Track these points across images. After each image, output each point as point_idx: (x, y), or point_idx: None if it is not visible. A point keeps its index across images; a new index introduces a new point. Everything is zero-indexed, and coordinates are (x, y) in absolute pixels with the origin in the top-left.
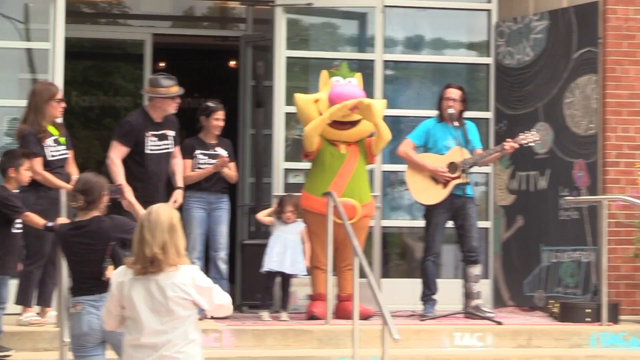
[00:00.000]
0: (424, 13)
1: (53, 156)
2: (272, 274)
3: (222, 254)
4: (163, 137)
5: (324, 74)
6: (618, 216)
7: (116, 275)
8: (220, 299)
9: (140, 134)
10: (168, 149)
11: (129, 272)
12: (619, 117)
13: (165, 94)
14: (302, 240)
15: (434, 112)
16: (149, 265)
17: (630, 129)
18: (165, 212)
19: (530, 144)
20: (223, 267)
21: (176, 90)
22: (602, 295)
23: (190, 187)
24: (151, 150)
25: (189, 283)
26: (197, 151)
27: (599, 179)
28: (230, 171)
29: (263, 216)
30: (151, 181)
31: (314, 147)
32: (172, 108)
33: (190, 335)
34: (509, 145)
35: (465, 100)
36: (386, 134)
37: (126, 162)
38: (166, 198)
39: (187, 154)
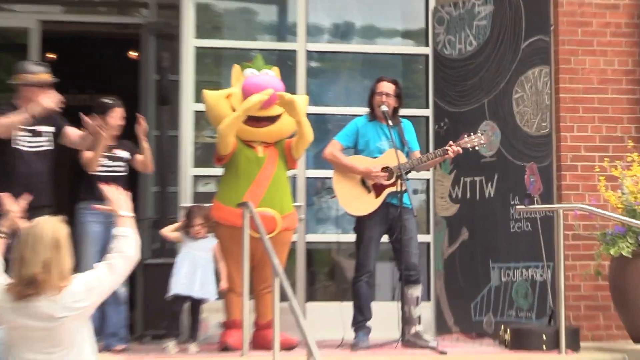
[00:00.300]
0: None
1: None
2: (179, 299)
3: None
4: (36, 134)
5: (236, 68)
6: (576, 227)
7: None
8: (122, 264)
9: None
10: (42, 147)
11: (7, 297)
12: (574, 115)
13: (33, 81)
14: (214, 259)
15: (365, 110)
16: (28, 288)
17: (588, 128)
18: (49, 226)
19: (475, 148)
20: (121, 290)
21: (46, 78)
22: (560, 319)
23: (85, 196)
24: (21, 147)
25: (77, 300)
26: None
27: (553, 185)
28: (144, 156)
29: (168, 231)
30: (20, 182)
31: (230, 148)
32: (42, 99)
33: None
34: (452, 149)
35: (400, 96)
36: (309, 133)
37: None
38: (53, 205)
39: None
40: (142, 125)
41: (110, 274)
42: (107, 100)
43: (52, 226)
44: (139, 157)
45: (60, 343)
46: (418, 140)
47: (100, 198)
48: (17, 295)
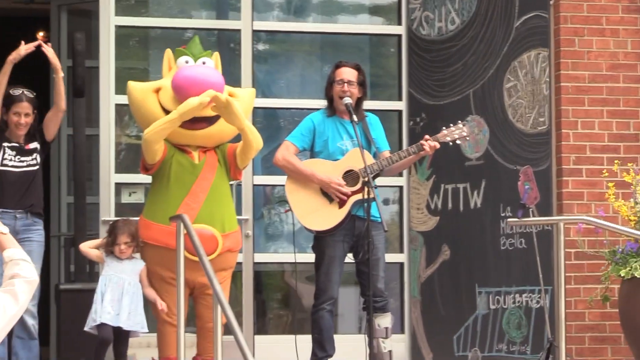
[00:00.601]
0: None
1: None
2: (105, 330)
3: (29, 305)
4: None
5: (168, 54)
6: (580, 244)
7: None
8: (25, 289)
9: None
10: None
11: None
12: (578, 108)
13: None
14: (142, 284)
15: (322, 103)
16: None
17: (595, 124)
18: None
19: (456, 142)
20: (31, 322)
21: None
22: (560, 353)
23: None
24: None
25: None
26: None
27: (552, 193)
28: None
29: (88, 247)
30: None
31: (158, 157)
32: None
33: None
34: (429, 144)
35: (365, 84)
36: (256, 141)
37: None
38: None
39: None
40: (47, 47)
41: (14, 303)
42: (12, 92)
43: None
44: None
45: None
46: (388, 139)
47: (8, 204)
48: None
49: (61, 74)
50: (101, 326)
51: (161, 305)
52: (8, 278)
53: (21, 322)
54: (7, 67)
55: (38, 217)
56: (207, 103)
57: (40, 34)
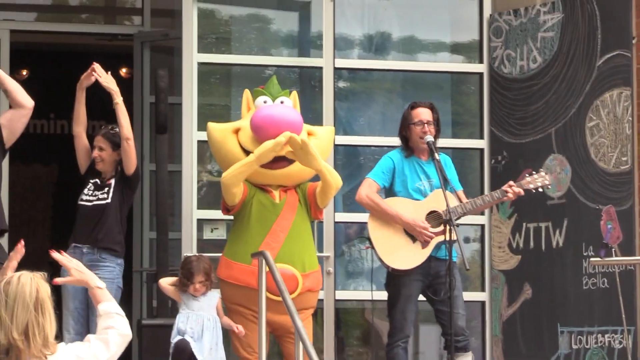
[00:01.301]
0: (391, 3)
1: None
2: (185, 351)
3: None
4: None
5: (247, 94)
6: None
7: None
8: (110, 348)
9: None
10: None
11: None
12: None
13: None
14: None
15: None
16: (3, 356)
17: None
18: (30, 283)
19: (539, 189)
20: None
21: None
22: None
23: (70, 241)
24: None
25: None
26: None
27: (636, 233)
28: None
29: (167, 284)
30: None
31: (237, 199)
32: None
33: None
34: (513, 190)
35: (439, 123)
36: (335, 181)
37: None
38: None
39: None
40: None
41: (106, 351)
42: (102, 128)
43: (33, 284)
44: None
45: None
46: (471, 177)
47: (79, 238)
48: None
49: (118, 99)
50: (177, 349)
51: (237, 328)
52: (102, 329)
53: None
54: (80, 95)
55: (108, 252)
56: (283, 144)
57: (94, 66)
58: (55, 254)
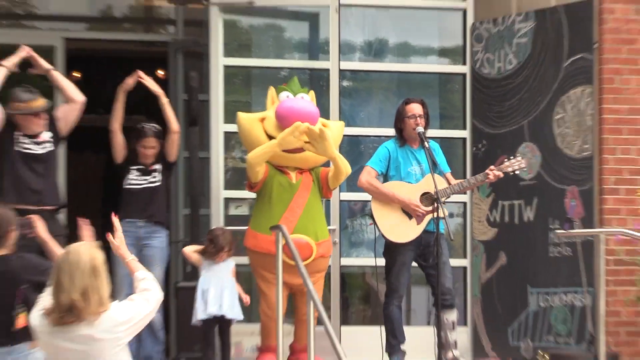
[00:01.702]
0: (387, 13)
1: None
2: (211, 322)
3: None
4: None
5: (272, 90)
6: (618, 252)
7: (34, 323)
8: (146, 307)
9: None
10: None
11: (45, 322)
12: (618, 136)
13: (25, 109)
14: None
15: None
16: (67, 315)
17: (632, 150)
18: (86, 252)
19: (515, 172)
20: (157, 316)
21: (39, 104)
22: (599, 345)
23: (119, 218)
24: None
25: (114, 325)
26: (132, 167)
27: (595, 209)
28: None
29: (191, 251)
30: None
31: (259, 177)
32: (36, 125)
33: None
34: (494, 174)
35: (428, 115)
36: (345, 168)
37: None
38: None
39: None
40: (146, 79)
41: (147, 308)
42: (144, 126)
43: (89, 252)
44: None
45: None
46: (455, 162)
47: (133, 214)
48: (56, 321)
49: (165, 100)
50: (205, 321)
51: (245, 298)
52: (141, 290)
53: None
54: (121, 96)
55: (159, 225)
56: (300, 130)
57: (138, 73)
58: (109, 237)
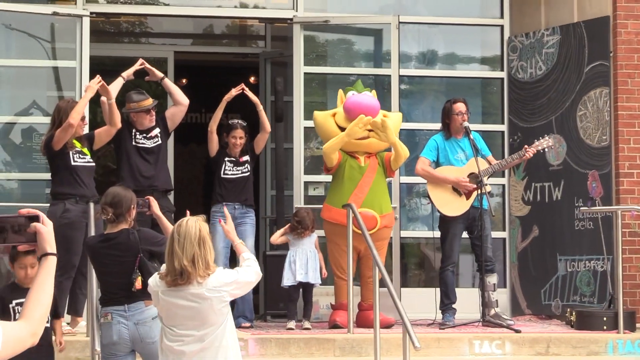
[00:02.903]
0: (438, 29)
1: (75, 161)
2: (296, 286)
3: None
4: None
5: (340, 92)
6: (632, 226)
7: (151, 285)
8: (249, 277)
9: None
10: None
11: (161, 284)
12: (630, 129)
13: (136, 108)
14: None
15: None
16: (179, 278)
17: None
18: (194, 225)
19: (545, 150)
20: None
21: (148, 103)
22: (618, 304)
23: (217, 200)
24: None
25: (220, 285)
26: (226, 159)
27: (612, 190)
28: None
29: (276, 239)
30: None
31: (334, 162)
32: (147, 121)
33: (226, 342)
34: (531, 150)
35: (469, 112)
36: (404, 151)
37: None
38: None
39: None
40: (248, 91)
41: (249, 277)
42: (231, 121)
43: (196, 225)
44: (258, 137)
45: (206, 321)
46: (495, 151)
47: (230, 199)
48: (170, 283)
49: (260, 107)
50: (292, 286)
51: (324, 273)
52: (245, 266)
53: None
54: (223, 104)
55: (250, 207)
56: (364, 121)
57: (242, 85)
58: (221, 223)
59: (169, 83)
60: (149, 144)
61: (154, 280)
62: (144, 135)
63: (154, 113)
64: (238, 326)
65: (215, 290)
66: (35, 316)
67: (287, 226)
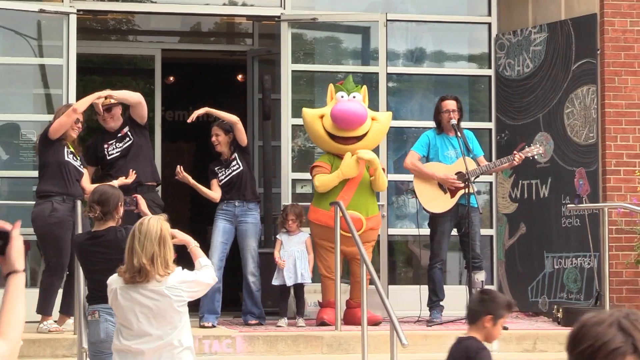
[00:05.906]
0: (426, 27)
1: (67, 158)
2: (286, 286)
3: (250, 268)
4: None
5: (331, 87)
6: (619, 223)
7: (110, 282)
8: (207, 279)
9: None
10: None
11: (119, 280)
12: (617, 127)
13: (99, 111)
14: (307, 250)
15: (433, 124)
16: (137, 275)
17: (629, 138)
18: (155, 224)
19: (535, 156)
20: (251, 279)
21: (106, 103)
22: (604, 301)
23: (220, 200)
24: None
25: (179, 284)
26: (216, 168)
27: (599, 187)
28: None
29: (276, 254)
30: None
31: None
32: (111, 121)
33: (184, 342)
34: (519, 156)
35: (461, 109)
36: (383, 184)
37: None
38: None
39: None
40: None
41: (205, 280)
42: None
43: (157, 224)
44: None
45: (165, 319)
46: (482, 149)
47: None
48: (128, 280)
49: (213, 111)
50: (282, 284)
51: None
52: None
53: (245, 279)
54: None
55: (253, 203)
56: (357, 159)
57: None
58: (175, 231)
59: (115, 93)
60: (119, 146)
61: (113, 277)
62: (115, 139)
63: (116, 112)
64: (246, 323)
65: (175, 289)
66: (15, 337)
67: (277, 242)
